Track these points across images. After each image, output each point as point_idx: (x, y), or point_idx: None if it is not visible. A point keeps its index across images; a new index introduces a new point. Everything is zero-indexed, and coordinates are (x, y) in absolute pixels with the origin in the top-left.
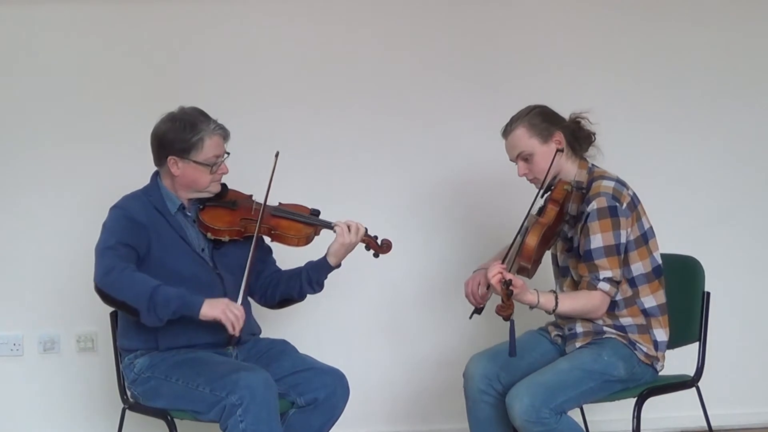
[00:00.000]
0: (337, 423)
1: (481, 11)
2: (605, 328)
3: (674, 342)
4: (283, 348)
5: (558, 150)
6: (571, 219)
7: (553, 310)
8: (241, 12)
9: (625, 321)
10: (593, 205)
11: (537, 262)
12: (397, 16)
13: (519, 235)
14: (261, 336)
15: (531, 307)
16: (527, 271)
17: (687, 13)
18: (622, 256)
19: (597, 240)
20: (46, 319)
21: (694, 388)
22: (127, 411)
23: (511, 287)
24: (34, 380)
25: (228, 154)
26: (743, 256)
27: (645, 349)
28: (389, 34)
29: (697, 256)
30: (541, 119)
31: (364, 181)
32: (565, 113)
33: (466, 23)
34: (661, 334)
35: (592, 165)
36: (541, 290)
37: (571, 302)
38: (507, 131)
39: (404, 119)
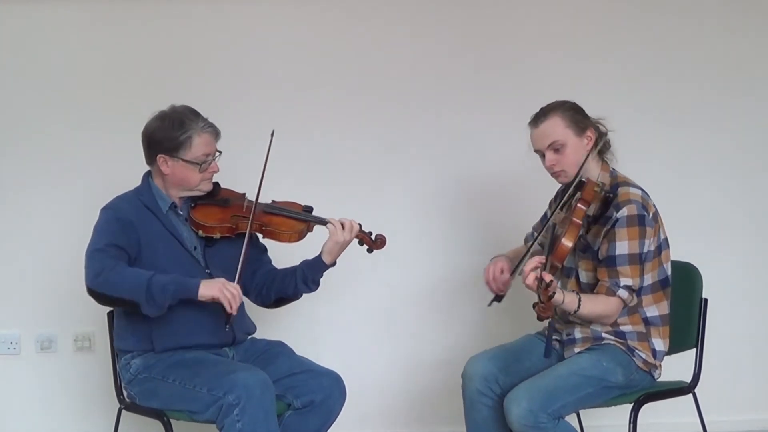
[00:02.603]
0: (333, 425)
1: (486, 6)
2: (604, 335)
3: (671, 348)
4: (280, 350)
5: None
6: (585, 220)
7: (575, 312)
8: (240, 10)
9: (625, 328)
10: (623, 212)
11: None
12: (400, 13)
13: (548, 234)
14: (258, 337)
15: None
16: (556, 270)
17: (686, 19)
18: (643, 265)
19: (623, 247)
20: (43, 318)
21: (690, 395)
22: (123, 411)
23: (549, 288)
24: (30, 379)
25: (220, 153)
26: (741, 263)
27: (644, 356)
28: (391, 31)
29: (694, 263)
30: (574, 112)
31: (361, 180)
32: None
33: (470, 19)
34: (660, 344)
35: (614, 169)
36: (566, 290)
37: (592, 305)
38: (539, 119)
39: (404, 118)
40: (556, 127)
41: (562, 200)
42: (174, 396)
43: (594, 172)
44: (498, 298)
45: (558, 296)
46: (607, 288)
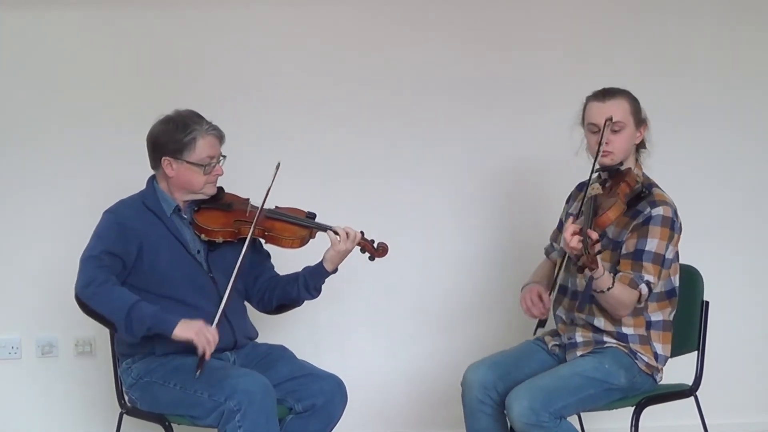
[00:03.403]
0: (334, 429)
1: (492, 7)
2: (605, 338)
3: (673, 351)
4: (281, 354)
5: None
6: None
7: (608, 289)
8: (242, 15)
9: (628, 330)
10: (659, 210)
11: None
12: (403, 13)
13: (588, 207)
14: (259, 341)
15: (589, 276)
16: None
17: (688, 24)
18: (662, 269)
19: (652, 244)
20: (44, 322)
21: (692, 397)
22: (124, 416)
23: (597, 245)
24: (31, 384)
25: (224, 156)
26: (742, 266)
27: (646, 359)
28: (395, 31)
29: (696, 266)
30: (638, 104)
31: (364, 183)
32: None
33: (476, 20)
34: (661, 348)
35: (644, 172)
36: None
37: (621, 290)
38: (607, 96)
39: (408, 122)
40: (624, 109)
41: (600, 180)
42: (175, 401)
43: (631, 166)
44: (542, 323)
45: (600, 266)
46: (630, 279)
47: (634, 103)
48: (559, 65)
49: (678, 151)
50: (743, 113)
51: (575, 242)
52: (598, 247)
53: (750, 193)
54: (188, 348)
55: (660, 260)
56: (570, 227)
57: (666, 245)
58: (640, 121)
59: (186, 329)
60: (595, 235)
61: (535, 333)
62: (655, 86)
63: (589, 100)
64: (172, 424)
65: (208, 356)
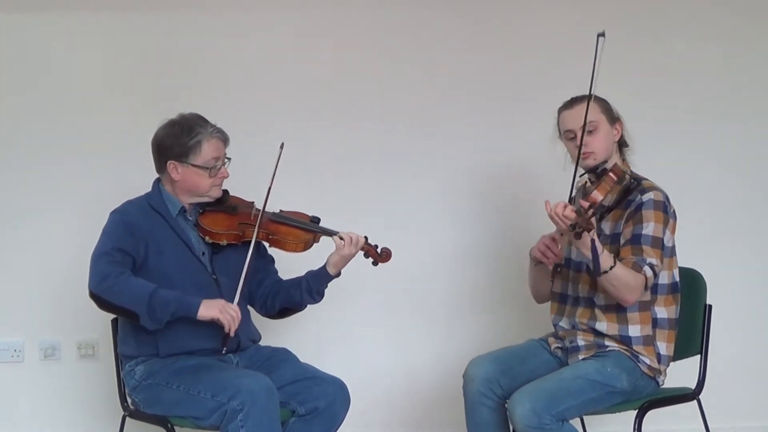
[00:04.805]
0: None
1: (491, 17)
2: (607, 342)
3: (676, 354)
4: (284, 357)
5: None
6: (600, 208)
7: (610, 269)
8: (244, 20)
9: (632, 331)
10: (650, 196)
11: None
12: (402, 19)
13: (577, 194)
14: (262, 344)
15: (592, 240)
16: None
17: (688, 26)
18: (662, 253)
19: (648, 228)
20: (46, 325)
21: (695, 401)
22: (127, 418)
23: (590, 211)
24: (34, 387)
25: (229, 159)
26: (745, 269)
27: (648, 362)
28: (394, 38)
29: (698, 269)
30: (607, 103)
31: (364, 188)
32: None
33: (473, 25)
34: (664, 348)
35: (632, 170)
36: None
37: (625, 271)
38: (575, 102)
39: (406, 127)
40: (593, 110)
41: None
42: (178, 402)
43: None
44: (558, 266)
45: (599, 244)
46: (633, 263)
47: (603, 102)
48: (559, 66)
49: (680, 153)
50: (746, 115)
51: (569, 211)
52: (591, 211)
53: (753, 196)
54: (192, 348)
55: (659, 244)
56: (559, 204)
57: (662, 229)
58: (613, 118)
59: (209, 308)
60: (586, 204)
61: (552, 281)
62: (657, 88)
63: (560, 111)
64: (175, 427)
65: (232, 333)
